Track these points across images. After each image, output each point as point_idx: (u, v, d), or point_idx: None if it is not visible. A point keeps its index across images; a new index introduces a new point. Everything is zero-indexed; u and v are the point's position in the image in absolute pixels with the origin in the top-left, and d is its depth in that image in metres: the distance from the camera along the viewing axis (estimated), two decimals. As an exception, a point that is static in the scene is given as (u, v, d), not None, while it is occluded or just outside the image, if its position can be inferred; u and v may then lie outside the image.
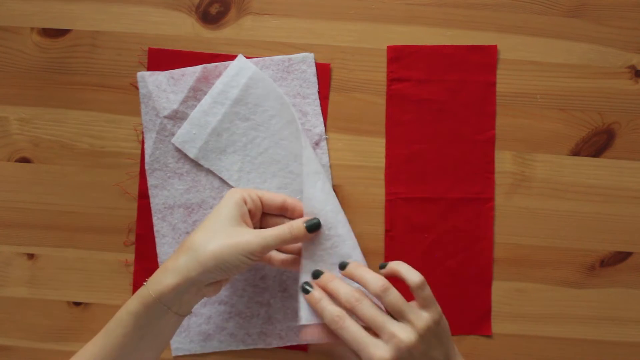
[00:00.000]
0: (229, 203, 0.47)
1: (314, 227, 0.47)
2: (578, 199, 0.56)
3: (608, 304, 0.56)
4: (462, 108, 0.56)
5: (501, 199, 0.56)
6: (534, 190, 0.56)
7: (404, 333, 0.42)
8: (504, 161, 0.56)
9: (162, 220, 0.55)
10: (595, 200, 0.56)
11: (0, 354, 0.57)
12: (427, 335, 0.43)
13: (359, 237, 0.56)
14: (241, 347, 0.55)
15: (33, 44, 0.56)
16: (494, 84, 0.56)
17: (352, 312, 0.44)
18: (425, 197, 0.55)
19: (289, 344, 0.55)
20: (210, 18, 0.56)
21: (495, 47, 0.55)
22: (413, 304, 0.45)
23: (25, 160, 0.57)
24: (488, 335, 0.55)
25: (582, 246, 0.56)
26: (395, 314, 0.44)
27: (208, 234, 0.46)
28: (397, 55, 0.55)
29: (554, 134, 0.56)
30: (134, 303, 0.45)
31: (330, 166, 0.56)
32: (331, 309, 0.45)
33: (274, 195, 0.50)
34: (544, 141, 0.56)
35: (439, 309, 0.45)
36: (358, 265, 0.47)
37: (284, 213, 0.50)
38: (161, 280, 0.45)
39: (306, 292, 0.47)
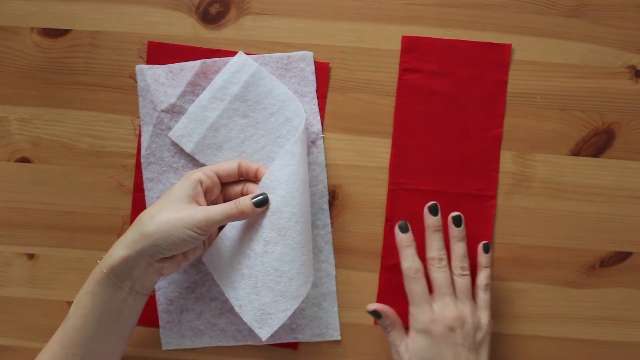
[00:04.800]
0: (184, 184, 0.48)
1: (260, 203, 0.49)
2: (578, 199, 0.56)
3: (608, 304, 0.56)
4: (472, 104, 0.55)
5: (501, 199, 0.56)
6: (534, 190, 0.56)
7: (454, 311, 0.49)
8: (504, 161, 0.56)
9: None
10: (596, 200, 0.56)
11: (0, 354, 0.57)
12: (468, 329, 0.49)
13: (358, 237, 0.56)
14: (231, 343, 0.56)
15: (33, 44, 0.56)
16: (505, 82, 0.56)
17: (429, 265, 0.51)
18: (428, 189, 0.55)
19: (279, 342, 0.55)
20: (210, 18, 0.56)
21: (509, 46, 0.55)
22: (479, 303, 0.52)
23: (25, 160, 0.57)
24: None
25: (582, 246, 0.56)
26: (457, 295, 0.51)
27: (155, 209, 0.47)
28: (411, 46, 0.55)
29: (554, 134, 0.56)
30: (89, 282, 0.47)
31: (331, 166, 0.56)
32: (414, 260, 0.51)
33: (229, 164, 0.51)
34: (544, 141, 0.56)
35: (491, 322, 0.51)
36: (461, 235, 0.52)
37: (243, 177, 0.52)
38: (111, 255, 0.46)
39: (402, 230, 0.51)
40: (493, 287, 0.55)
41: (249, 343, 0.56)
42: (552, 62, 0.56)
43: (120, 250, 0.46)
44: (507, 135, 0.56)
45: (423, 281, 0.51)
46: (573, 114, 0.56)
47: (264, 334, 0.49)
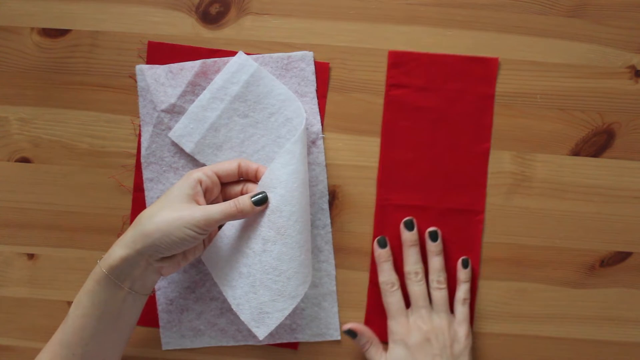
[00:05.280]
0: (183, 183, 0.48)
1: (260, 201, 0.48)
2: (578, 199, 0.56)
3: (608, 304, 0.56)
4: (459, 118, 0.55)
5: (501, 199, 0.56)
6: (534, 190, 0.56)
7: (428, 323, 0.51)
8: (504, 161, 0.56)
9: None
10: (595, 200, 0.56)
11: (0, 354, 0.57)
12: (444, 341, 0.50)
13: (358, 237, 0.56)
14: (232, 343, 0.56)
15: (33, 44, 0.56)
16: (492, 96, 0.55)
17: (406, 279, 0.53)
18: (416, 204, 0.55)
19: (279, 342, 0.55)
20: (210, 18, 0.56)
21: (496, 59, 0.55)
22: (457, 317, 0.53)
23: (25, 160, 0.57)
24: None
25: (582, 246, 0.56)
26: (434, 307, 0.52)
27: (155, 209, 0.47)
28: (398, 61, 0.55)
29: (554, 134, 0.56)
30: (88, 282, 0.47)
31: (330, 166, 0.56)
32: (390, 274, 0.53)
33: (229, 164, 0.51)
34: (544, 141, 0.56)
35: (470, 335, 0.52)
36: (437, 249, 0.53)
37: (243, 177, 0.52)
38: (110, 255, 0.46)
39: (380, 245, 0.53)
40: (494, 288, 0.56)
41: (249, 343, 0.56)
42: (552, 62, 0.56)
43: (119, 249, 0.46)
44: (507, 135, 0.56)
45: (399, 294, 0.53)
46: (573, 114, 0.56)
47: (261, 333, 0.49)
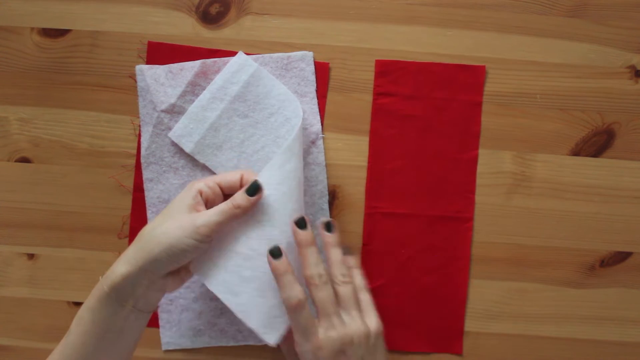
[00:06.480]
0: (184, 195, 0.47)
1: (253, 191, 0.46)
2: (578, 199, 0.56)
3: (608, 304, 0.56)
4: (447, 126, 0.55)
5: (501, 199, 0.56)
6: (534, 190, 0.56)
7: (340, 329, 0.44)
8: (504, 161, 0.56)
9: (156, 214, 0.55)
10: (595, 200, 0.56)
11: (0, 354, 0.57)
12: (360, 343, 0.44)
13: (358, 237, 0.56)
14: (232, 344, 0.56)
15: (33, 44, 0.56)
16: (480, 104, 0.55)
17: (308, 286, 0.45)
18: (405, 213, 0.55)
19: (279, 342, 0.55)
20: (210, 18, 0.56)
21: (483, 67, 0.55)
22: (363, 307, 0.46)
23: (25, 160, 0.57)
24: (459, 354, 0.55)
25: (582, 246, 0.56)
26: (342, 306, 0.45)
27: (156, 223, 0.46)
28: (385, 70, 0.55)
29: (554, 134, 0.56)
30: (90, 299, 0.45)
31: (330, 166, 0.56)
32: (295, 290, 0.44)
33: (231, 175, 0.49)
34: (544, 141, 0.56)
35: (379, 322, 0.46)
36: (335, 240, 0.47)
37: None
38: (112, 272, 0.45)
39: (275, 256, 0.45)
40: (494, 288, 0.56)
41: (249, 343, 0.56)
42: (552, 62, 0.56)
43: (121, 266, 0.44)
44: (507, 135, 0.56)
45: (307, 309, 0.44)
46: (573, 114, 0.56)
47: (272, 339, 0.47)
